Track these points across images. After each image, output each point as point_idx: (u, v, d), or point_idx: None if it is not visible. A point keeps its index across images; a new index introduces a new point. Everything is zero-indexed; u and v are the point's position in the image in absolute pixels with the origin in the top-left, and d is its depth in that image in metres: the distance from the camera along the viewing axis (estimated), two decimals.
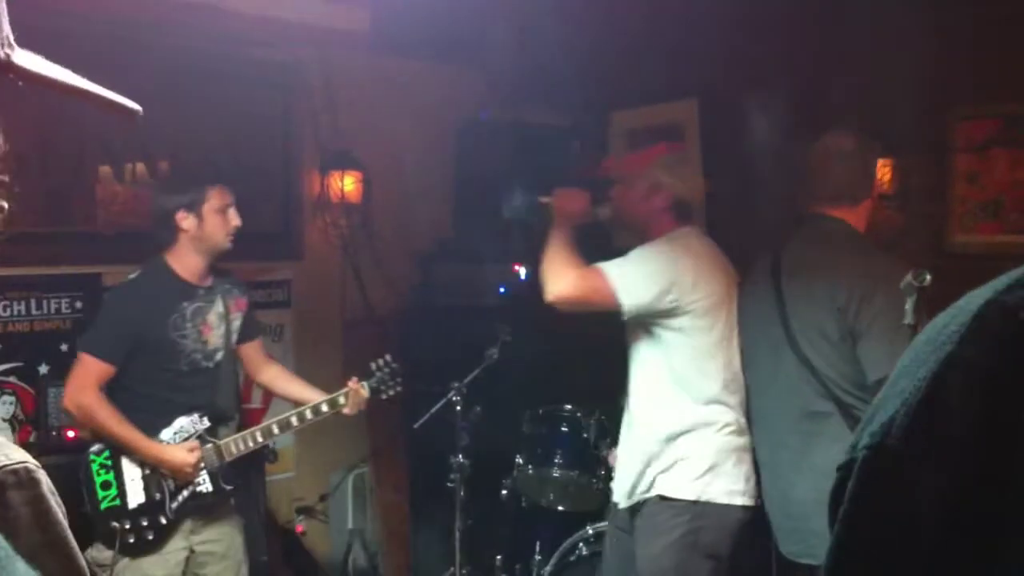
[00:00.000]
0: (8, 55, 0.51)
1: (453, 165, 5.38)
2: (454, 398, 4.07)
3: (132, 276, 3.52)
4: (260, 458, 4.30)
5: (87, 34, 3.82)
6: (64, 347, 4.05)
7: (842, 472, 0.57)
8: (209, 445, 3.50)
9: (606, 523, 3.92)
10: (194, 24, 4.22)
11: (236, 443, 3.52)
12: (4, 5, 0.51)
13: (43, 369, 4.07)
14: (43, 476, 0.92)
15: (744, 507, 3.17)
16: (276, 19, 4.49)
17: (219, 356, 3.60)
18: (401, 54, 5.02)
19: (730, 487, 3.15)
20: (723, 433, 3.18)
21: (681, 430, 3.19)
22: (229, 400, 3.67)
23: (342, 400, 3.64)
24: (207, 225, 3.49)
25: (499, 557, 4.29)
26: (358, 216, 5.02)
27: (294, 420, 3.59)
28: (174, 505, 3.46)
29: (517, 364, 4.18)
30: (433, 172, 5.28)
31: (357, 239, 5.06)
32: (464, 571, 4.16)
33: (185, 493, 3.48)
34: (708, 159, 4.89)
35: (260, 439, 3.56)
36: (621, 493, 3.34)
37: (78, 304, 4.17)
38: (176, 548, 3.47)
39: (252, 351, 3.84)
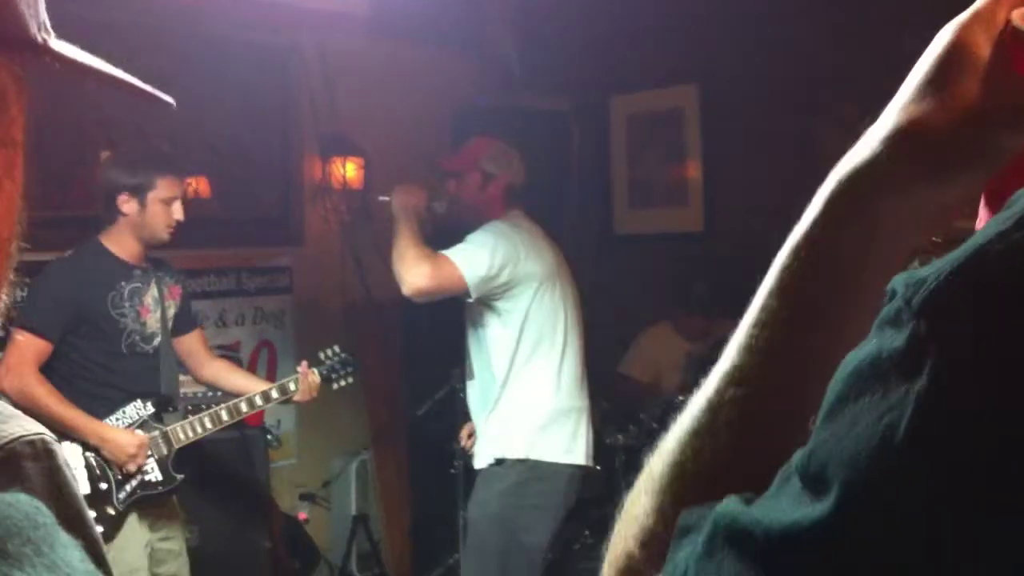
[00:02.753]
0: (46, 39, 0.51)
1: (451, 150, 5.36)
2: (456, 385, 4.08)
3: (67, 254, 3.37)
4: (263, 445, 4.31)
5: (83, 19, 3.80)
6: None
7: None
8: (156, 432, 3.34)
9: (610, 509, 3.93)
10: (194, 9, 4.20)
11: (184, 429, 3.37)
12: None
13: None
14: (58, 448, 0.92)
15: (573, 465, 3.45)
16: (275, 3, 4.48)
17: (157, 341, 3.45)
18: (400, 38, 5.00)
19: (558, 445, 3.43)
20: (553, 395, 3.46)
21: (516, 396, 3.48)
22: (172, 387, 3.51)
23: (292, 387, 3.53)
24: (148, 214, 3.33)
25: None
26: (359, 202, 5.01)
27: (244, 406, 3.45)
28: (121, 495, 3.28)
29: None
30: (433, 157, 5.26)
31: (358, 225, 5.05)
32: None
33: (133, 483, 3.30)
34: (708, 145, 4.90)
35: (209, 425, 3.40)
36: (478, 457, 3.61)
37: None
38: (136, 542, 3.31)
39: (191, 344, 3.65)
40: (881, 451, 0.47)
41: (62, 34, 0.56)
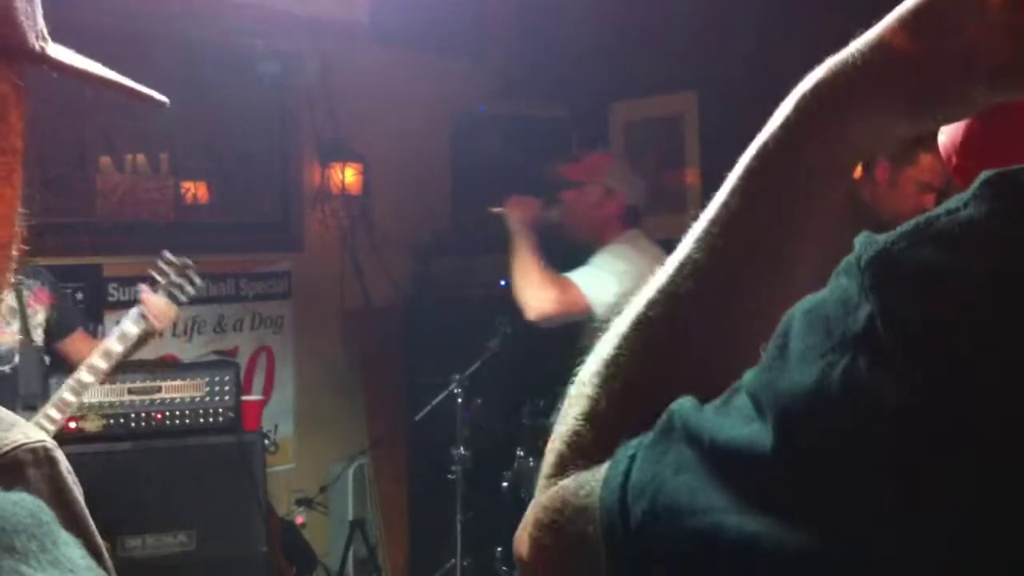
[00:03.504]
0: (43, 47, 0.51)
1: (451, 156, 5.38)
2: (455, 390, 4.08)
3: None
4: (260, 449, 4.31)
5: (84, 25, 3.81)
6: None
7: None
8: None
9: None
10: (193, 15, 4.21)
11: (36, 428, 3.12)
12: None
13: None
14: (60, 455, 0.93)
15: None
16: (276, 10, 4.48)
17: (16, 359, 3.24)
18: (399, 45, 5.02)
19: None
20: None
21: None
22: (33, 401, 3.23)
23: (132, 328, 3.16)
24: None
25: (499, 549, 4.30)
26: (358, 207, 5.02)
27: (85, 376, 3.09)
28: None
29: (518, 356, 4.19)
30: (431, 163, 5.28)
31: (357, 231, 5.06)
32: (464, 563, 4.17)
33: None
34: (707, 151, 4.90)
35: (56, 415, 3.06)
36: None
37: (78, 295, 4.16)
38: None
39: (75, 345, 3.41)
40: (817, 391, 0.49)
41: (61, 41, 0.57)
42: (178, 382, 3.99)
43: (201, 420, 4.16)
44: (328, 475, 4.97)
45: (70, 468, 0.94)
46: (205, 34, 4.39)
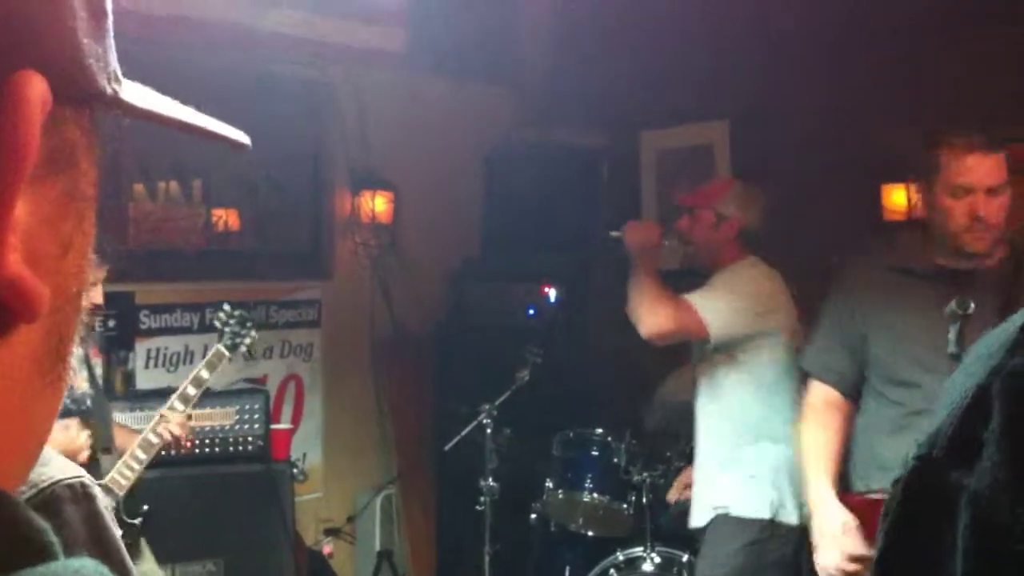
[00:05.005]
0: (116, 91, 0.48)
1: (482, 184, 5.38)
2: (484, 420, 4.05)
3: None
4: (288, 478, 4.30)
5: (119, 53, 3.85)
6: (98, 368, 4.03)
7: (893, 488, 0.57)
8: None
9: (637, 549, 3.87)
10: (228, 44, 4.25)
11: (121, 473, 3.11)
12: (111, 38, 0.48)
13: None
14: (98, 491, 0.91)
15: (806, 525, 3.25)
16: (309, 38, 4.52)
17: (89, 403, 3.28)
18: (432, 73, 5.04)
19: (799, 504, 3.21)
20: (790, 450, 3.21)
21: (751, 448, 3.32)
22: (106, 442, 3.28)
23: (208, 371, 3.33)
24: None
25: None
26: (388, 236, 5.02)
27: (175, 408, 3.22)
28: None
29: (548, 387, 4.16)
30: (463, 191, 5.28)
31: (387, 259, 5.06)
32: None
33: None
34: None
35: (143, 456, 3.15)
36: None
37: (111, 323, 4.18)
38: None
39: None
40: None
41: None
42: (207, 410, 3.99)
43: (230, 448, 4.16)
44: (356, 505, 4.95)
45: (107, 504, 0.92)
46: (238, 62, 4.42)
